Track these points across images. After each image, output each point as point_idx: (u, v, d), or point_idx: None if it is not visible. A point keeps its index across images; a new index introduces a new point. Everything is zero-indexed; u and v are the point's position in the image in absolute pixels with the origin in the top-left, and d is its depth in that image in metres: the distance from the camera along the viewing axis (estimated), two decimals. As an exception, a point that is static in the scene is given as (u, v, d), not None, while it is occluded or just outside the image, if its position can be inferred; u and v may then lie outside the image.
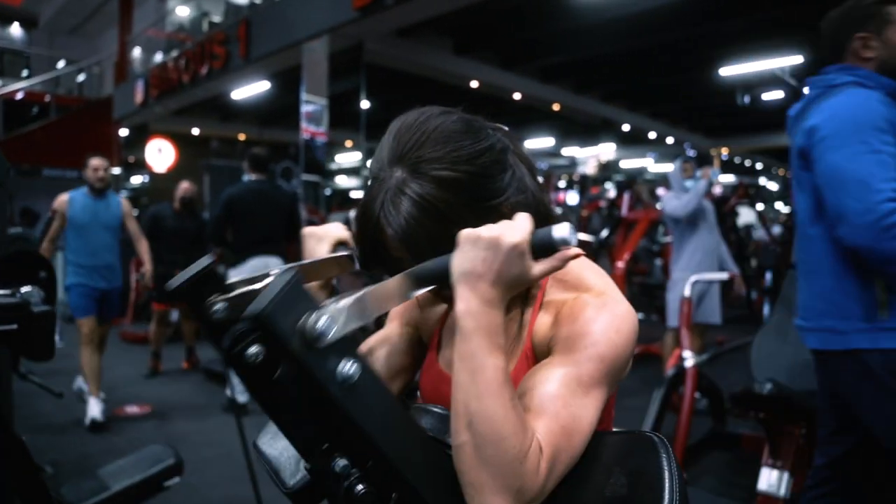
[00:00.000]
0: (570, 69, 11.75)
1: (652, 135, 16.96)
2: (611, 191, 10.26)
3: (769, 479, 2.47)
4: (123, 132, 13.70)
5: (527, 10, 8.47)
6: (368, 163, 0.76)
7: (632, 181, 10.88)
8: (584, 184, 16.67)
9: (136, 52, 13.50)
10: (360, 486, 0.76)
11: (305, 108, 7.58)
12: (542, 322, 0.77)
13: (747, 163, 23.21)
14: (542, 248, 0.64)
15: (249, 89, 10.29)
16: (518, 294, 0.81)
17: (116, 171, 13.48)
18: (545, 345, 0.75)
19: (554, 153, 19.98)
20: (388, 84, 10.05)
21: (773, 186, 16.68)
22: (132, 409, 4.03)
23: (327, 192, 9.74)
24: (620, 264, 5.19)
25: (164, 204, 5.29)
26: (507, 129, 0.82)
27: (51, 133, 12.51)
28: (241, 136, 16.66)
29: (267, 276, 0.76)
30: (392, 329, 0.97)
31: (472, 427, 0.60)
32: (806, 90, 1.90)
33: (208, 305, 0.68)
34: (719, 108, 14.50)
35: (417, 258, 0.70)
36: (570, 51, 10.22)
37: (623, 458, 0.65)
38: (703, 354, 3.09)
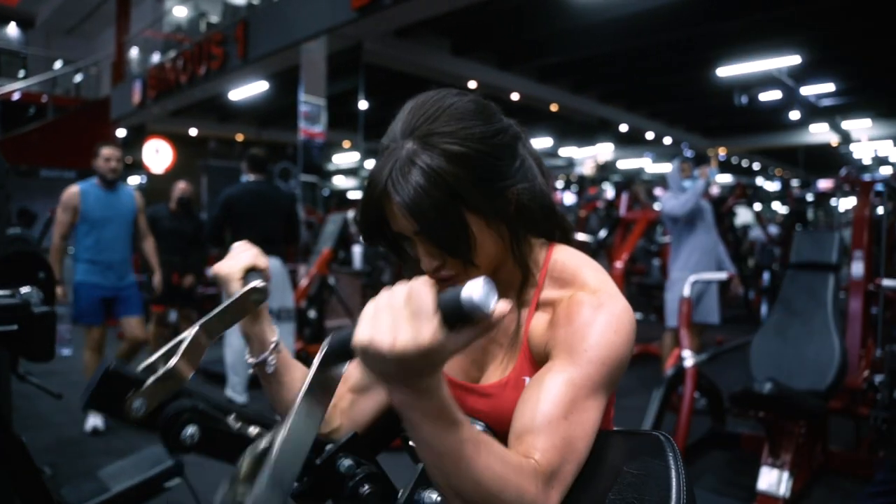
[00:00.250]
0: (568, 69, 11.76)
1: (649, 135, 16.98)
2: (608, 191, 10.25)
3: (769, 478, 2.48)
4: (121, 133, 13.66)
5: (525, 10, 8.48)
6: (367, 163, 0.75)
7: (630, 181, 10.88)
8: (581, 184, 16.67)
9: (134, 52, 13.47)
10: (365, 486, 0.76)
11: (304, 109, 7.57)
12: (538, 322, 0.77)
13: (744, 163, 23.24)
14: (455, 315, 0.52)
15: (247, 90, 10.28)
16: (514, 293, 0.81)
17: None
18: (543, 345, 0.74)
19: (551, 153, 19.99)
20: (386, 84, 10.05)
21: (769, 187, 16.68)
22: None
23: (325, 192, 9.72)
24: (619, 264, 5.19)
25: (160, 205, 5.27)
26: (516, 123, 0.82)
27: (48, 134, 12.48)
28: (239, 137, 16.64)
29: (181, 343, 0.72)
30: None
31: (462, 497, 0.58)
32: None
33: (127, 407, 0.63)
34: (717, 109, 14.52)
35: (423, 227, 0.70)
36: (567, 51, 10.22)
37: (630, 458, 0.65)
38: (701, 354, 3.08)
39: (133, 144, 13.60)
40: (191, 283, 5.11)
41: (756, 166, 23.85)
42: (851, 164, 15.47)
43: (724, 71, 10.30)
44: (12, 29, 16.51)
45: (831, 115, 15.03)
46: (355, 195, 16.70)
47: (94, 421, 3.59)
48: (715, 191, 7.05)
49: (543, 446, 0.63)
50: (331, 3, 7.15)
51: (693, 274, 3.61)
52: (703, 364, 3.01)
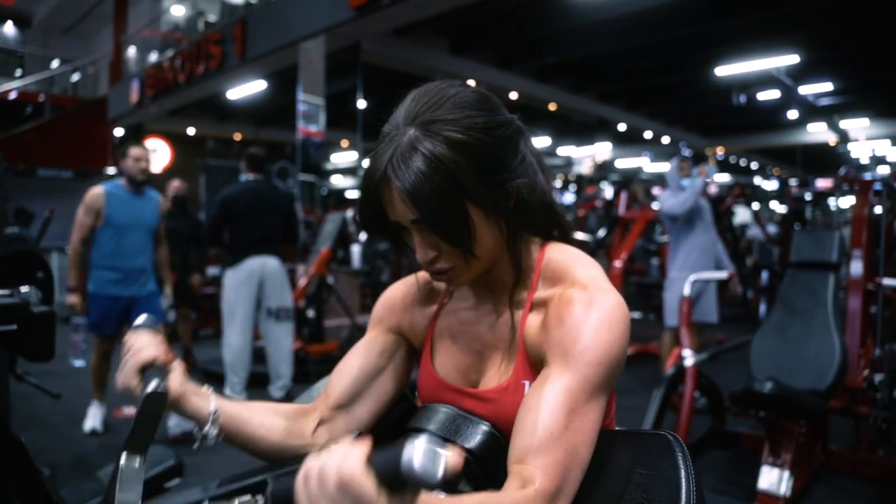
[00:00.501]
0: (567, 69, 11.77)
1: (648, 134, 16.99)
2: (606, 190, 10.26)
3: (769, 477, 2.47)
4: (118, 132, 13.64)
5: (523, 10, 8.47)
6: (365, 163, 0.74)
7: (628, 181, 10.89)
8: (580, 183, 16.69)
9: (132, 51, 13.44)
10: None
11: (302, 108, 7.56)
12: (532, 322, 0.76)
13: (742, 162, 23.27)
14: (396, 482, 0.46)
15: (245, 89, 10.26)
16: (506, 296, 0.80)
17: (111, 171, 13.43)
18: (538, 347, 0.74)
19: (550, 153, 19.99)
20: (384, 84, 10.04)
21: (768, 186, 16.70)
22: (129, 411, 4.00)
23: (323, 191, 9.70)
24: (618, 264, 5.19)
25: (157, 205, 5.25)
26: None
27: (45, 133, 12.44)
28: (237, 136, 16.61)
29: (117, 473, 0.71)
30: (373, 343, 0.90)
31: None
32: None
33: None
34: (715, 108, 14.53)
35: (423, 214, 0.69)
36: (566, 50, 10.23)
37: (639, 458, 0.64)
38: (701, 353, 3.08)
39: (131, 144, 13.58)
40: (199, 282, 5.10)
41: (754, 165, 23.89)
42: (850, 164, 15.52)
43: (723, 70, 10.31)
44: (9, 28, 16.47)
45: (829, 114, 15.05)
46: (354, 194, 16.69)
47: (92, 422, 3.57)
48: (713, 190, 7.06)
49: (545, 464, 0.63)
50: (329, 3, 7.14)
51: (692, 273, 3.61)
52: (704, 363, 3.01)
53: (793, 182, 13.67)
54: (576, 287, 0.73)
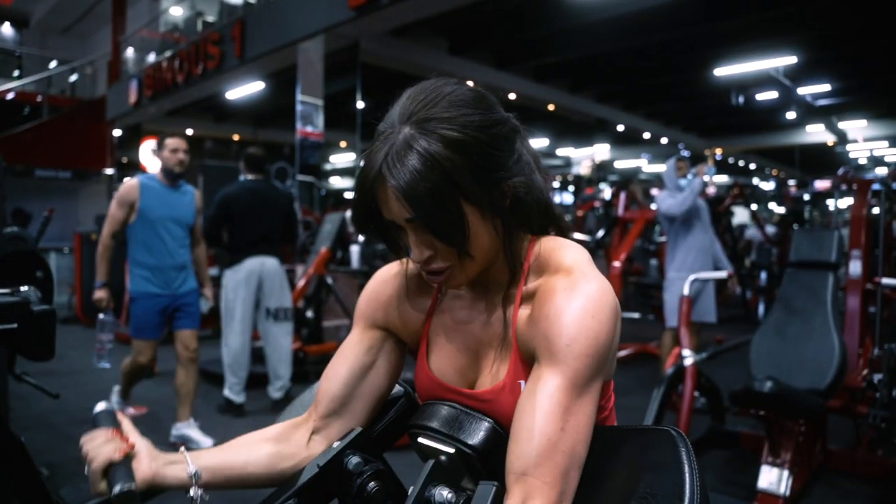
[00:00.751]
0: (565, 69, 11.78)
1: (646, 135, 17.02)
2: (605, 191, 10.27)
3: (769, 477, 2.48)
4: (117, 133, 13.63)
5: (522, 10, 8.48)
6: (361, 164, 0.74)
7: (628, 181, 10.91)
8: (578, 184, 16.70)
9: (130, 52, 13.43)
10: (372, 484, 0.75)
11: (301, 109, 7.56)
12: (523, 316, 0.76)
13: (741, 163, 23.31)
14: None
15: (244, 89, 10.25)
16: (500, 294, 0.79)
17: (109, 171, 13.42)
18: (529, 342, 0.73)
19: (548, 153, 20.01)
20: (383, 84, 10.04)
21: (766, 186, 16.75)
22: (128, 411, 4.00)
23: (322, 192, 9.71)
24: (617, 264, 5.20)
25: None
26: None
27: (43, 133, 12.43)
28: (236, 137, 16.62)
29: None
30: (359, 342, 0.88)
31: None
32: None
33: None
34: (713, 109, 14.56)
35: (418, 213, 0.69)
36: (564, 51, 10.24)
37: (643, 454, 0.65)
38: (701, 353, 3.09)
39: (129, 144, 13.57)
40: None
41: (752, 166, 23.93)
42: (848, 164, 15.55)
43: (721, 71, 10.33)
44: (7, 28, 16.45)
45: (827, 115, 15.09)
46: (352, 195, 16.65)
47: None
48: (712, 191, 7.07)
49: (545, 474, 0.63)
50: (328, 3, 7.15)
51: (691, 273, 3.61)
52: (703, 363, 3.01)
53: (791, 183, 13.68)
54: (559, 274, 0.73)
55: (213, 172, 10.42)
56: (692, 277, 3.33)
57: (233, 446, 0.83)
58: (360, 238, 6.16)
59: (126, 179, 3.24)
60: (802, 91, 11.83)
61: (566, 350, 0.66)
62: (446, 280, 0.76)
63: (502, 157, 0.73)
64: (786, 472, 2.48)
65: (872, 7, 8.25)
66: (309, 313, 5.08)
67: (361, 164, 0.73)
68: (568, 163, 20.61)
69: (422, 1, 6.67)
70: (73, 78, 14.77)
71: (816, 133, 17.03)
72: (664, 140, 17.83)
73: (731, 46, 9.73)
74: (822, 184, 7.30)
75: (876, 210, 3.67)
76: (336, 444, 0.78)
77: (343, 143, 17.49)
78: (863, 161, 18.69)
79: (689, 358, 2.93)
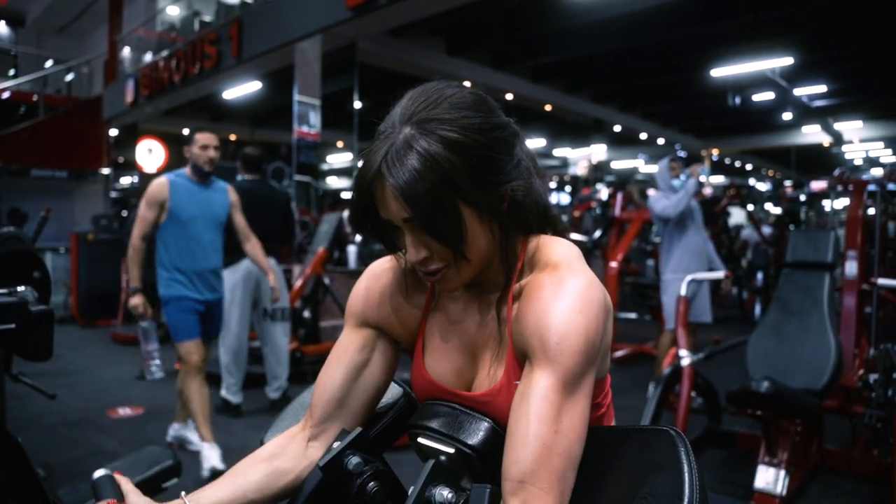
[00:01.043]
0: (562, 69, 11.79)
1: (643, 136, 17.04)
2: (602, 191, 10.28)
3: (766, 476, 2.48)
4: (113, 132, 13.59)
5: (519, 10, 8.49)
6: (360, 163, 0.74)
7: (624, 182, 10.92)
8: (575, 184, 16.72)
9: (126, 51, 13.40)
10: (372, 484, 0.76)
11: (298, 109, 7.55)
12: (515, 315, 0.76)
13: (737, 164, 23.37)
14: None
15: (241, 89, 10.23)
16: (495, 295, 0.80)
17: (106, 171, 13.38)
18: (521, 342, 0.73)
19: (545, 154, 20.03)
20: (380, 84, 10.05)
21: (762, 187, 16.81)
22: (125, 411, 3.99)
23: (319, 192, 9.70)
24: (614, 264, 5.21)
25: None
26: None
27: (39, 133, 12.38)
28: (233, 137, 16.60)
29: None
30: (351, 342, 0.87)
31: None
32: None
33: None
34: (710, 109, 14.60)
35: (416, 213, 0.69)
36: (561, 51, 10.26)
37: (642, 453, 0.65)
38: (698, 353, 3.09)
39: (125, 144, 13.54)
40: None
41: (749, 167, 23.99)
42: (844, 165, 15.59)
43: (718, 72, 10.35)
44: (2, 27, 16.39)
45: (823, 116, 15.15)
46: (349, 195, 16.65)
47: (213, 461, 2.91)
48: (709, 192, 7.08)
49: (541, 481, 0.63)
50: (325, 3, 7.14)
51: (686, 274, 3.62)
52: (700, 363, 3.02)
53: (788, 183, 13.72)
54: (547, 270, 0.73)
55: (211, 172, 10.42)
56: (689, 278, 3.34)
57: (228, 478, 0.83)
58: (358, 238, 6.16)
59: (156, 179, 3.08)
60: (799, 92, 11.86)
61: (556, 348, 0.66)
62: (441, 281, 0.76)
63: (502, 160, 0.73)
64: (782, 472, 2.49)
65: (868, 8, 8.28)
66: (306, 313, 5.08)
67: (361, 163, 0.73)
68: (565, 163, 20.63)
69: (419, 1, 6.66)
70: (70, 77, 14.71)
71: (812, 134, 17.09)
72: (661, 140, 17.86)
73: (728, 47, 9.75)
74: (818, 184, 7.32)
75: (872, 211, 3.69)
76: (336, 445, 0.78)
77: (340, 143, 17.48)
78: (858, 162, 18.76)
79: (685, 358, 2.94)
